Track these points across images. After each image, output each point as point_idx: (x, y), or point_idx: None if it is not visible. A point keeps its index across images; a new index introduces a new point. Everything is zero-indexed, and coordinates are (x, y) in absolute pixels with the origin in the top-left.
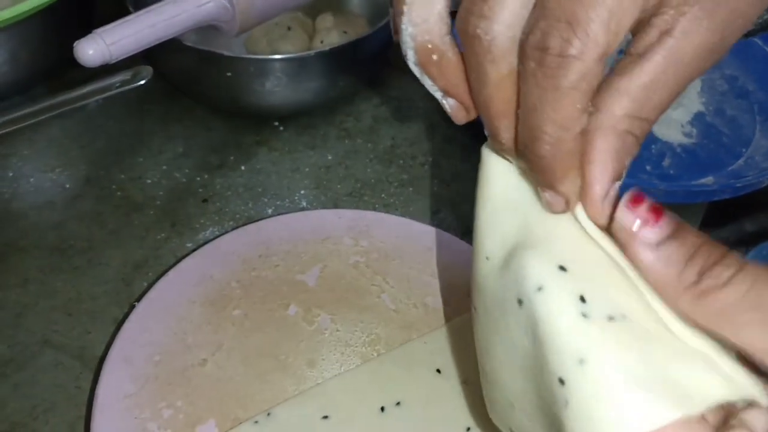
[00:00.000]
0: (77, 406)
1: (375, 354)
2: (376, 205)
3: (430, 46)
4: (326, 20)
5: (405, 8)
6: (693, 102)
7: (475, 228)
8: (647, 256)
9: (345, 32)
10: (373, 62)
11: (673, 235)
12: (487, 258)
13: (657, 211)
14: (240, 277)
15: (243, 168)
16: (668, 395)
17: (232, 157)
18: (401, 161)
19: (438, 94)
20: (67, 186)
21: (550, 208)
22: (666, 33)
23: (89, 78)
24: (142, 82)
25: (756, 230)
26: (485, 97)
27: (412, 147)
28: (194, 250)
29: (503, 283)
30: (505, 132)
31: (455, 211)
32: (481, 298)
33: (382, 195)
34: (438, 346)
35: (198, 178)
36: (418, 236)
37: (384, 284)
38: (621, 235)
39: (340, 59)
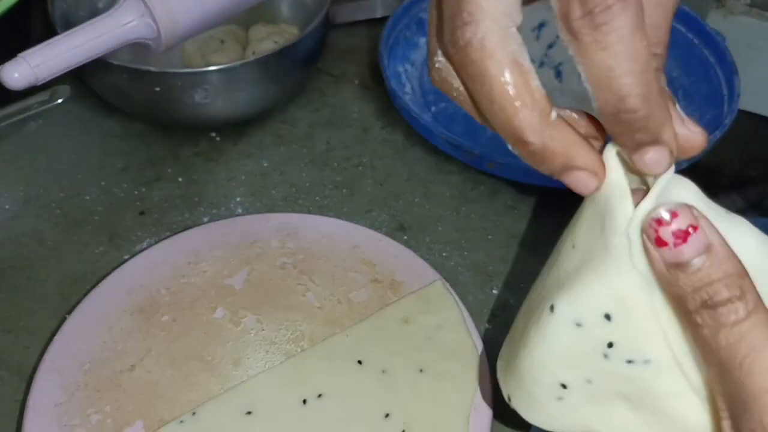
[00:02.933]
0: (15, 419)
1: (299, 350)
2: (311, 208)
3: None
4: (258, 31)
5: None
6: None
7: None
8: (659, 268)
9: (276, 42)
10: (304, 69)
11: (698, 255)
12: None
13: (685, 234)
14: (169, 284)
15: (180, 179)
16: None
17: (169, 170)
18: (336, 164)
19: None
20: (7, 207)
21: (656, 167)
22: None
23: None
24: (60, 101)
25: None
26: (495, 95)
27: (347, 150)
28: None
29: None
30: (528, 128)
31: (388, 210)
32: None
33: (317, 198)
34: (360, 339)
35: (136, 192)
36: (345, 235)
37: (309, 283)
38: (643, 239)
39: (269, 67)
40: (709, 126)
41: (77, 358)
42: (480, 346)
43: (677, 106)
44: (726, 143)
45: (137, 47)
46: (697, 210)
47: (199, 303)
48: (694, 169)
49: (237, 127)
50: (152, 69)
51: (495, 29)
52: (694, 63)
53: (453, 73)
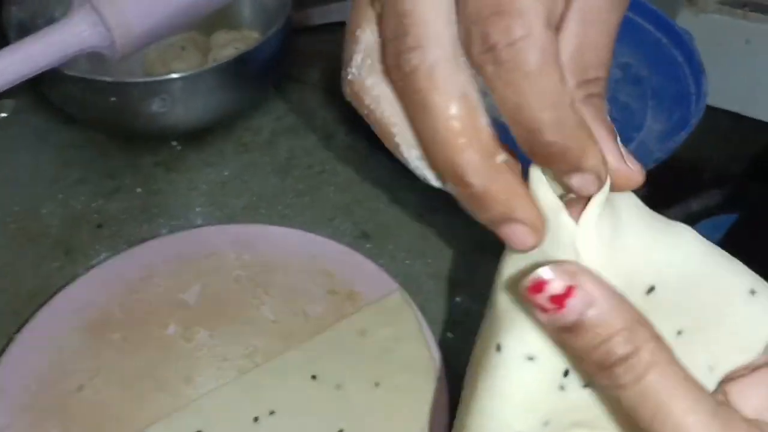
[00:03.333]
0: None
1: (253, 366)
2: (273, 217)
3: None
4: (220, 37)
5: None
6: None
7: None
8: (550, 332)
9: (237, 48)
10: (265, 75)
11: (583, 317)
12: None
13: (562, 297)
14: (122, 300)
15: (139, 190)
16: None
17: (128, 181)
18: (298, 172)
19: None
20: None
21: (584, 191)
22: None
23: None
24: (4, 115)
25: (700, 209)
26: (439, 131)
27: (310, 157)
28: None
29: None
30: (470, 169)
31: (351, 217)
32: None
33: (279, 207)
34: (314, 354)
35: (93, 204)
36: (303, 245)
37: (265, 296)
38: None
39: (228, 75)
40: (677, 125)
41: (24, 379)
42: (438, 357)
43: (617, 140)
44: (701, 140)
45: (97, 56)
46: (578, 264)
47: (151, 319)
48: (669, 167)
49: (198, 136)
50: (107, 79)
51: (445, 58)
52: (662, 62)
53: (367, 88)
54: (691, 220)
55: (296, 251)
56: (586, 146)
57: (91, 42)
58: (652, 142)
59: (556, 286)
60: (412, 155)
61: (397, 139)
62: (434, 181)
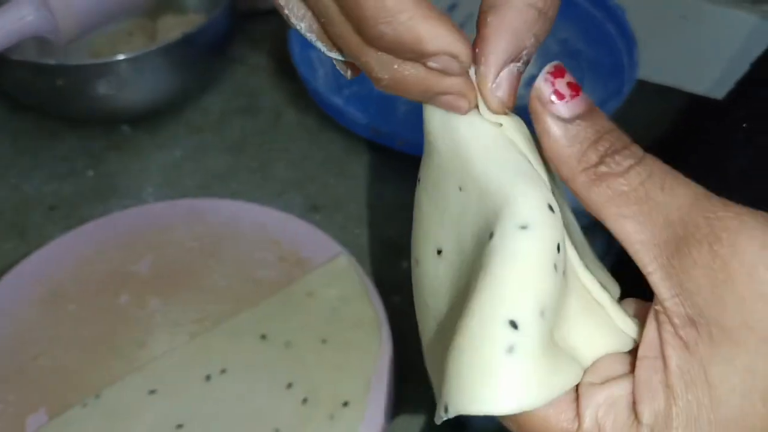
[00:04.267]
0: None
1: (204, 329)
2: (225, 194)
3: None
4: (167, 22)
5: None
6: (527, 68)
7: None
8: (555, 129)
9: (184, 32)
10: (212, 56)
11: (584, 115)
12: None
13: (575, 87)
14: (75, 273)
15: (92, 173)
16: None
17: (80, 164)
18: (249, 150)
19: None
20: None
21: (447, 70)
22: None
23: None
24: None
25: None
26: (336, 41)
27: (261, 136)
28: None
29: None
30: (375, 65)
31: (301, 192)
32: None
33: (231, 184)
34: (264, 315)
35: (46, 188)
36: (253, 217)
37: (215, 265)
38: (535, 105)
39: (174, 56)
40: (612, 94)
41: None
42: (383, 316)
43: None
44: (630, 111)
45: (44, 42)
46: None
47: (104, 290)
48: None
49: (149, 119)
50: (52, 62)
51: None
52: (598, 36)
53: None
54: None
55: (246, 222)
56: (419, 26)
57: (35, 26)
58: None
59: (570, 77)
60: (302, 27)
61: (287, 11)
62: (327, 52)
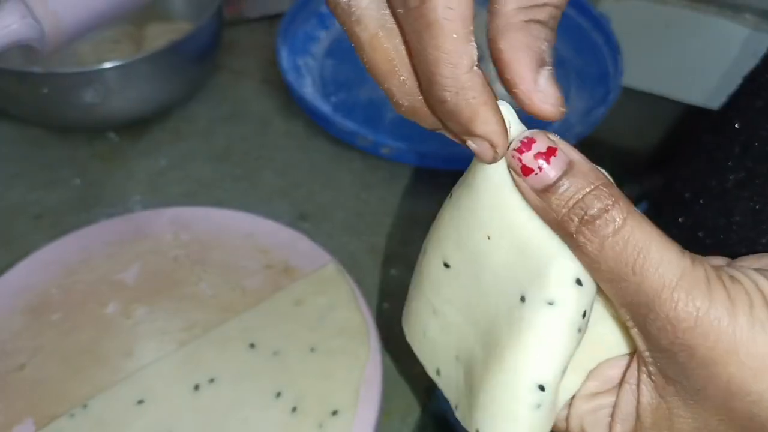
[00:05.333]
0: None
1: (192, 338)
2: (211, 202)
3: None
4: (153, 29)
5: None
6: None
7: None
8: (534, 200)
9: (170, 40)
10: (199, 65)
11: (562, 176)
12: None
13: (547, 155)
14: (60, 283)
15: (78, 182)
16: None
17: (66, 173)
18: (236, 158)
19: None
20: None
21: (481, 158)
22: None
23: None
24: None
25: (638, 192)
26: (366, 62)
27: (247, 144)
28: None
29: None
30: (397, 93)
31: (288, 200)
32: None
33: (217, 192)
34: (253, 324)
35: (31, 197)
36: (239, 225)
37: (203, 273)
38: (512, 174)
39: (160, 64)
40: (597, 102)
41: None
42: (371, 323)
43: (544, 68)
44: (619, 118)
45: (29, 50)
46: (552, 133)
47: (89, 299)
48: (586, 142)
49: (136, 127)
50: (37, 70)
51: None
52: (584, 45)
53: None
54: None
55: (233, 230)
56: (478, 113)
57: (21, 34)
58: (576, 118)
59: (540, 146)
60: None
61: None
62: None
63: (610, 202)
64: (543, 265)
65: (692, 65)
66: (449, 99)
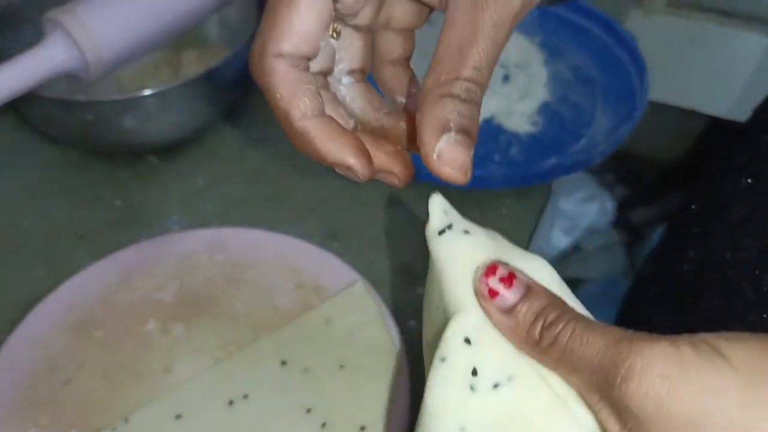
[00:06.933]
0: None
1: (227, 355)
2: (244, 222)
3: None
4: (190, 55)
5: None
6: (540, 93)
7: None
8: (500, 319)
9: (206, 64)
10: (234, 88)
11: (520, 301)
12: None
13: (508, 280)
14: (103, 301)
15: (118, 202)
16: None
17: (107, 193)
18: (267, 178)
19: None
20: None
21: (351, 178)
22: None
23: None
24: None
25: (675, 204)
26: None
27: (278, 164)
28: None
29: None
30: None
31: (318, 218)
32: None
33: (250, 211)
34: (284, 341)
35: (74, 217)
36: (272, 245)
37: (236, 292)
38: (479, 299)
39: (197, 90)
40: (623, 120)
41: (15, 378)
42: (399, 340)
43: (447, 137)
44: (646, 132)
45: (73, 78)
46: (507, 263)
47: (130, 317)
48: (620, 156)
49: (173, 148)
50: (81, 99)
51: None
52: (609, 63)
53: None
54: (666, 218)
55: (265, 250)
56: (317, 149)
57: (66, 65)
58: (601, 136)
59: (502, 272)
60: None
61: None
62: None
63: (565, 309)
64: (447, 328)
65: (718, 78)
66: (300, 148)
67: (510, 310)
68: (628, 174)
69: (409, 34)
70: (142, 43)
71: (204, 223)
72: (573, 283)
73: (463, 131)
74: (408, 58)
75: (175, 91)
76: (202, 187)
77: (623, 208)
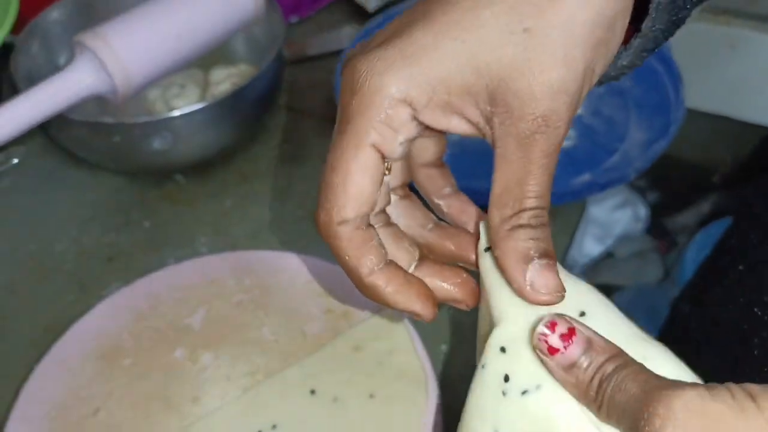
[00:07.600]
0: None
1: (255, 383)
2: (273, 243)
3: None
4: (217, 73)
5: None
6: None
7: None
8: (561, 375)
9: (234, 83)
10: (262, 107)
11: (583, 354)
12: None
13: (567, 337)
14: (131, 328)
15: (147, 224)
16: None
17: (136, 215)
18: (296, 198)
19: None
20: None
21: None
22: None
23: None
24: (15, 161)
25: (711, 210)
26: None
27: (307, 183)
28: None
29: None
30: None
31: None
32: None
33: (278, 232)
34: (313, 370)
35: (104, 239)
36: (300, 268)
37: (265, 318)
38: (538, 354)
39: (225, 110)
40: (658, 133)
41: (44, 406)
42: (429, 367)
43: (530, 267)
44: (680, 136)
45: (101, 99)
46: (568, 315)
47: (158, 345)
48: (660, 166)
49: (200, 169)
50: (110, 121)
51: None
52: (643, 73)
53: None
54: (704, 222)
55: (294, 274)
56: (386, 301)
57: (94, 88)
58: (635, 151)
59: (562, 328)
60: None
61: None
62: None
63: (623, 362)
64: (490, 337)
65: (757, 84)
66: (364, 294)
67: (570, 367)
68: (661, 179)
69: (440, 137)
70: (169, 64)
71: (232, 244)
72: (605, 290)
73: (545, 254)
74: (440, 158)
75: (202, 111)
76: (231, 207)
77: (657, 213)
